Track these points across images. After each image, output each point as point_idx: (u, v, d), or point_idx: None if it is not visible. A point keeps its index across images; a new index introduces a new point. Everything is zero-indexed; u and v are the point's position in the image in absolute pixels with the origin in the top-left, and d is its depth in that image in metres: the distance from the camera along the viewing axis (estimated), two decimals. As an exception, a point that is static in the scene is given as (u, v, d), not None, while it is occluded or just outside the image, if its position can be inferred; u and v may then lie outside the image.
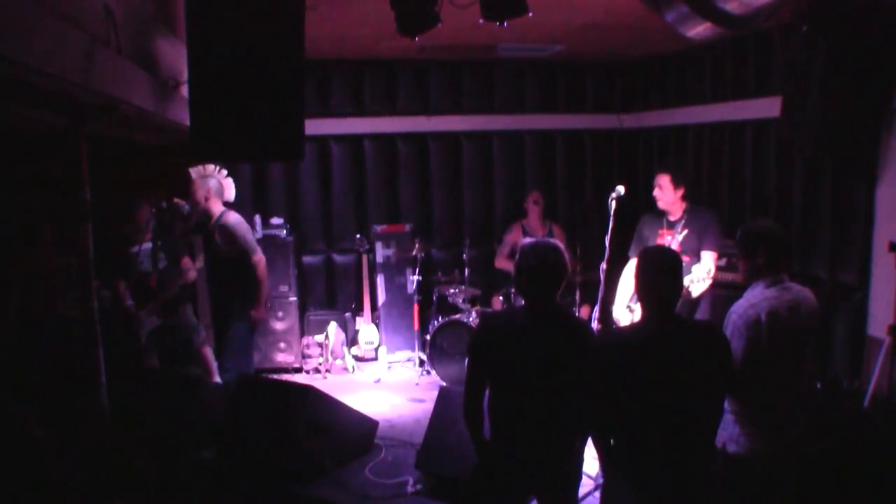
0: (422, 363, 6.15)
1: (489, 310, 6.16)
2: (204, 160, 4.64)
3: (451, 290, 6.04)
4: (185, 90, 3.56)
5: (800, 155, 4.65)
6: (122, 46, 2.98)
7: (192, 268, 5.13)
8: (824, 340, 4.44)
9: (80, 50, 2.45)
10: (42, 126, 3.27)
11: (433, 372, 5.90)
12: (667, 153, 6.45)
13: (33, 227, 4.47)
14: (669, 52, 6.20)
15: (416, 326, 6.33)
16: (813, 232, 4.69)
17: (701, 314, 4.28)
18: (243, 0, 2.84)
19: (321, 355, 6.24)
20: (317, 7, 4.00)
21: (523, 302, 2.83)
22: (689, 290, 4.06)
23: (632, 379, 2.50)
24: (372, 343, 6.50)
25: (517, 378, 2.69)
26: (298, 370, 6.26)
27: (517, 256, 2.77)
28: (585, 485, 2.98)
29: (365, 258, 6.46)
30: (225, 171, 4.97)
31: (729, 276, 4.76)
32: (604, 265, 4.41)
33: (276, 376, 5.73)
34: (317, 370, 6.27)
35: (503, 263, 6.18)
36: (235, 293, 4.80)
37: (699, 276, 4.05)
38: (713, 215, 4.50)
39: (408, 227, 6.61)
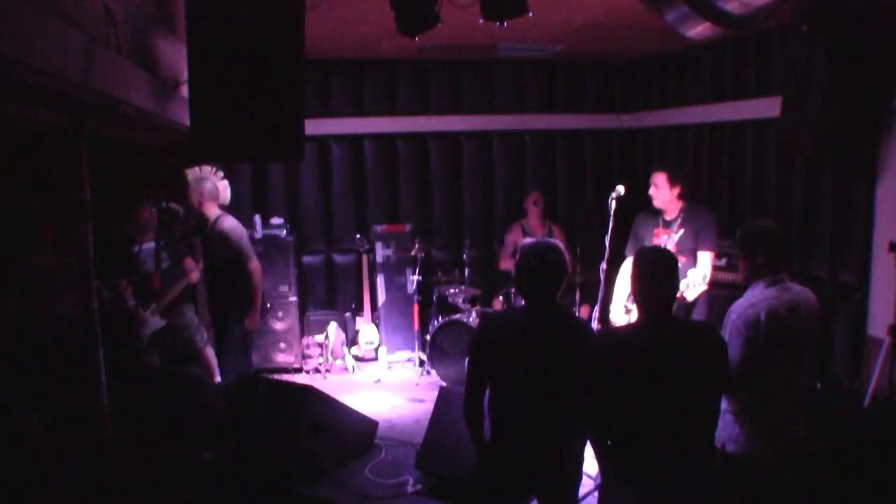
0: (422, 363, 6.15)
1: (489, 310, 6.16)
2: (204, 160, 4.62)
3: (451, 290, 6.04)
4: (185, 90, 3.55)
5: (800, 155, 4.65)
6: (122, 46, 2.98)
7: (196, 268, 5.11)
8: (824, 340, 4.45)
9: (80, 50, 2.45)
10: (42, 126, 3.27)
11: (433, 372, 5.90)
12: (667, 153, 6.45)
13: (33, 227, 4.47)
14: (669, 52, 6.20)
15: (416, 326, 6.33)
16: (813, 232, 4.69)
17: (698, 314, 4.26)
18: (243, 0, 2.84)
19: (321, 355, 6.24)
20: (317, 7, 4.00)
21: (523, 302, 2.83)
22: (685, 295, 4.02)
23: (628, 379, 2.50)
24: (372, 343, 6.50)
25: (517, 378, 2.69)
26: (298, 370, 6.26)
27: (517, 257, 2.77)
28: (585, 485, 2.98)
29: (365, 258, 6.46)
30: (221, 174, 4.90)
31: (729, 276, 4.76)
32: (604, 265, 4.42)
33: (276, 376, 5.73)
34: (317, 370, 6.27)
35: (507, 264, 6.17)
36: (232, 295, 4.78)
37: (695, 281, 4.01)
38: (710, 215, 4.46)
39: (408, 227, 6.61)
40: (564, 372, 2.64)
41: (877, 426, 3.52)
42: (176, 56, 3.79)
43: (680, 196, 4.43)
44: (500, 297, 6.19)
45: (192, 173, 4.77)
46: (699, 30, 3.32)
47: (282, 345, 6.23)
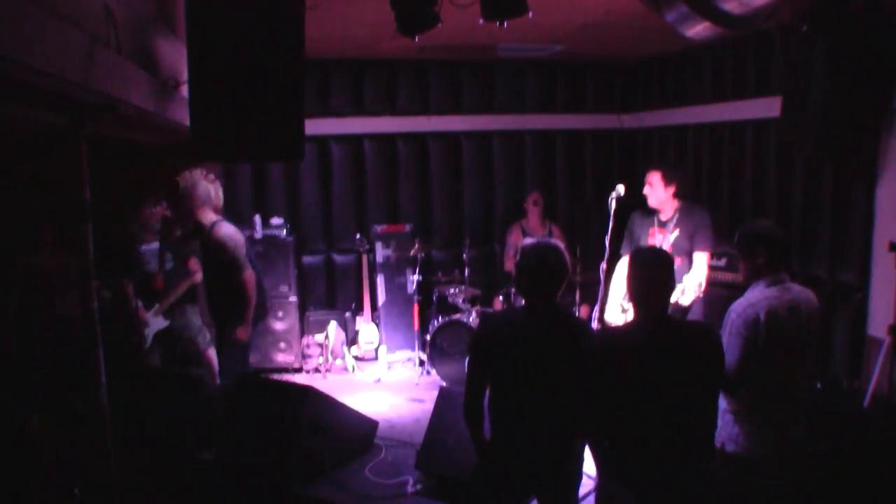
0: (422, 363, 6.15)
1: (489, 310, 6.16)
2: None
3: (451, 290, 6.04)
4: (185, 90, 3.55)
5: (800, 155, 4.65)
6: (122, 46, 2.98)
7: (200, 269, 5.09)
8: (824, 340, 4.44)
9: (80, 50, 2.45)
10: (42, 126, 3.27)
11: (433, 372, 5.90)
12: (667, 153, 6.45)
13: (33, 227, 4.47)
14: (669, 53, 6.20)
15: (416, 326, 6.33)
16: (813, 232, 4.68)
17: (695, 314, 4.24)
18: (243, 0, 2.84)
19: (321, 355, 6.24)
20: (317, 7, 4.00)
21: (523, 302, 2.83)
22: (679, 302, 3.97)
23: (625, 379, 2.50)
24: (372, 343, 6.50)
25: (517, 378, 2.69)
26: (298, 370, 6.26)
27: (517, 257, 2.77)
28: (585, 485, 2.97)
29: (365, 258, 6.46)
30: (212, 176, 4.76)
31: (729, 276, 4.76)
32: (604, 265, 4.41)
33: (276, 376, 5.74)
34: (317, 370, 6.27)
35: (511, 265, 6.16)
36: (228, 300, 4.71)
37: (690, 287, 3.98)
38: (705, 214, 4.42)
39: (408, 227, 6.61)
40: (564, 372, 2.64)
41: (877, 426, 3.52)
42: (176, 56, 3.79)
43: (675, 195, 4.41)
44: (501, 297, 6.19)
45: (183, 179, 4.58)
46: (699, 29, 3.32)
47: (282, 345, 6.23)
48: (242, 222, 6.27)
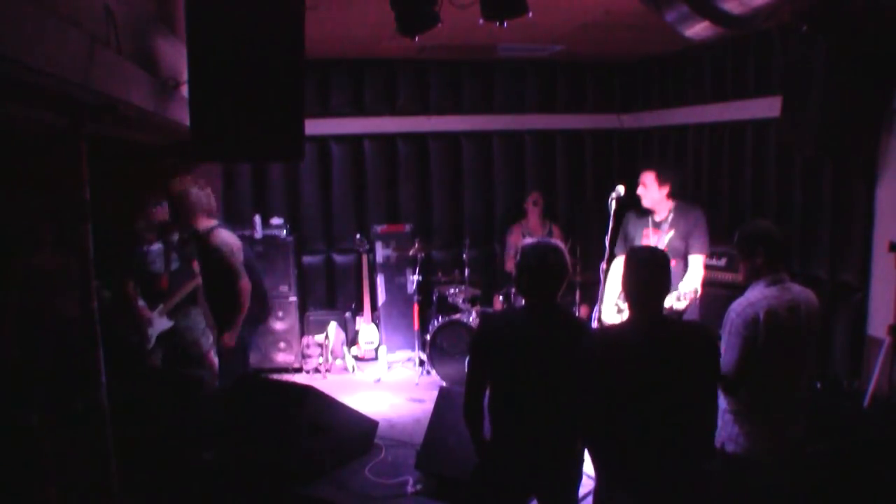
0: (422, 363, 6.15)
1: (489, 310, 6.16)
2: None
3: (451, 290, 6.04)
4: (185, 90, 3.55)
5: (800, 155, 4.65)
6: (122, 46, 2.98)
7: None
8: (824, 340, 4.44)
9: (80, 50, 2.45)
10: (42, 126, 3.27)
11: (433, 372, 5.90)
12: (667, 153, 6.45)
13: (33, 227, 4.47)
14: (669, 53, 6.20)
15: (416, 326, 6.33)
16: (813, 232, 4.68)
17: (691, 314, 4.22)
18: (243, 0, 2.84)
19: (321, 355, 6.24)
20: (317, 7, 4.01)
21: (523, 302, 2.83)
22: (673, 307, 3.92)
23: (619, 379, 2.49)
24: (372, 343, 6.50)
25: (518, 378, 2.69)
26: (298, 370, 6.26)
27: (518, 257, 2.77)
28: (585, 485, 2.97)
29: (365, 258, 6.46)
30: (202, 181, 4.66)
31: (728, 276, 4.76)
32: (604, 265, 4.41)
33: (276, 376, 5.74)
34: (317, 370, 6.27)
35: (512, 266, 6.14)
36: (226, 303, 4.67)
37: (685, 294, 3.92)
38: (700, 214, 4.35)
39: (408, 227, 6.61)
40: (564, 372, 2.64)
41: (877, 426, 3.52)
42: (176, 56, 3.79)
43: (669, 195, 4.35)
44: (501, 297, 6.19)
45: (173, 189, 4.48)
46: (699, 29, 3.32)
47: (282, 345, 6.23)
48: (242, 222, 6.29)
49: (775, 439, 2.81)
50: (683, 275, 4.24)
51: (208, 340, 5.17)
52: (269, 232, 6.24)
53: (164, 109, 3.61)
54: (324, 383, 5.87)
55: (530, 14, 3.43)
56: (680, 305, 3.97)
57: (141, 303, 4.85)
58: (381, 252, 6.54)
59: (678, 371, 2.48)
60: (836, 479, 3.14)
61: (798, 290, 2.87)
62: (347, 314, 6.61)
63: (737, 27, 3.27)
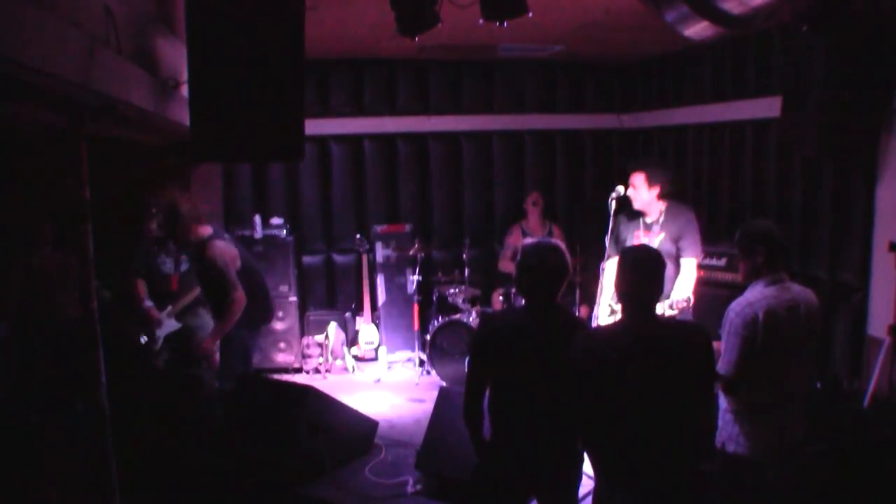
0: (422, 363, 6.15)
1: (489, 309, 6.16)
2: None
3: (451, 290, 6.04)
4: (185, 90, 3.55)
5: (800, 155, 4.65)
6: (122, 46, 2.98)
7: None
8: (824, 340, 4.44)
9: (80, 50, 2.45)
10: (42, 126, 3.27)
11: (433, 372, 5.90)
12: (667, 153, 6.45)
13: (33, 227, 4.48)
14: (669, 53, 6.20)
15: (416, 326, 6.33)
16: (813, 232, 4.68)
17: (685, 314, 4.18)
18: (243, 0, 2.84)
19: (321, 355, 6.24)
20: (317, 7, 4.01)
21: (524, 302, 2.83)
22: (665, 313, 3.81)
23: (611, 379, 2.48)
24: (372, 343, 6.50)
25: (518, 378, 2.69)
26: (298, 370, 6.26)
27: (518, 257, 2.77)
28: (585, 485, 2.97)
29: (365, 258, 6.46)
30: (187, 193, 4.57)
31: (728, 276, 4.75)
32: (604, 265, 4.41)
33: (276, 376, 5.74)
34: (317, 370, 6.27)
35: (507, 266, 6.15)
36: (220, 310, 4.60)
37: (677, 303, 3.83)
38: (691, 215, 4.25)
39: (408, 227, 6.61)
40: (564, 372, 2.64)
41: (877, 426, 3.52)
42: (176, 56, 3.80)
43: (661, 196, 4.24)
44: (501, 296, 6.19)
45: (163, 207, 4.33)
46: (698, 29, 3.32)
47: (282, 345, 6.23)
48: (242, 222, 6.30)
49: (775, 439, 2.81)
50: (675, 278, 4.13)
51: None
52: (269, 232, 6.24)
53: (164, 109, 3.62)
54: (324, 383, 5.87)
55: (530, 14, 3.43)
56: (671, 314, 3.89)
57: (150, 303, 4.84)
58: (381, 252, 6.54)
59: (672, 371, 2.46)
60: (836, 479, 3.14)
61: (798, 290, 2.86)
62: (347, 314, 6.61)
63: (736, 27, 3.27)
